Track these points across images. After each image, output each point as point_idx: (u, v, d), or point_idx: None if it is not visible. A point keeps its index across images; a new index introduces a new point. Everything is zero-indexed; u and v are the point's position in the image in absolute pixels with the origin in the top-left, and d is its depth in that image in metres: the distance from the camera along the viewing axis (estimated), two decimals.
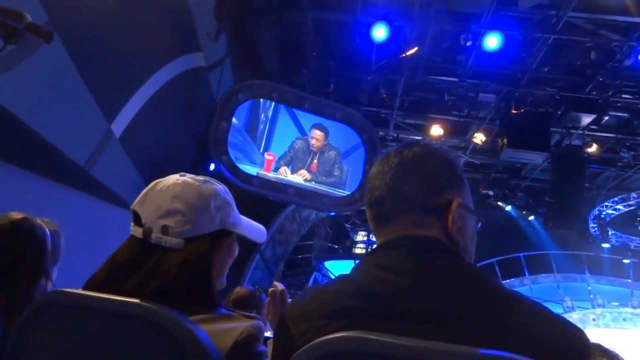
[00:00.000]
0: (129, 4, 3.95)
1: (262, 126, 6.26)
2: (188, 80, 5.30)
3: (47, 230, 1.40)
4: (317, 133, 6.33)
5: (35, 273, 1.29)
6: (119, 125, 4.05)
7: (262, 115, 6.22)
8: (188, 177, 0.94)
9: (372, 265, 0.76)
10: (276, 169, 6.11)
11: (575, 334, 0.68)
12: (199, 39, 5.40)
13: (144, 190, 0.93)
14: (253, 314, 0.89)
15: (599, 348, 1.61)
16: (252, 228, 1.03)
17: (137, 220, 0.90)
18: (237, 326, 0.82)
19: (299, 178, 6.17)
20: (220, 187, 0.97)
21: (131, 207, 0.93)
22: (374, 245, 0.86)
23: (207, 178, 0.96)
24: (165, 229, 0.86)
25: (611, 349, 1.66)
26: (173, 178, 0.93)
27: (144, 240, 0.87)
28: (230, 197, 0.98)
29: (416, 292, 0.69)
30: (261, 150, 6.17)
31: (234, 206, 0.98)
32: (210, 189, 0.93)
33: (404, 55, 5.67)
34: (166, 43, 4.81)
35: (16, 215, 1.36)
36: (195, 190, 0.91)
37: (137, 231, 0.89)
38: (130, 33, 4.04)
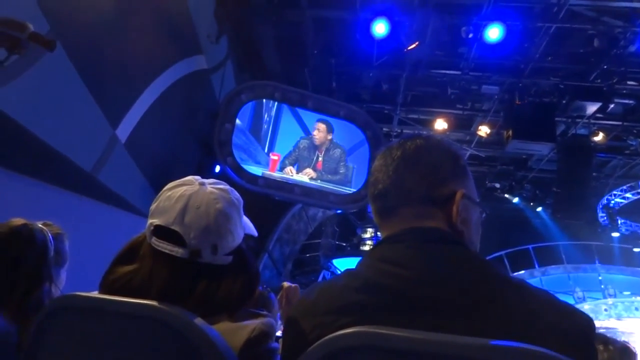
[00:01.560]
0: (130, 10, 3.97)
1: (265, 126, 6.27)
2: (190, 83, 5.32)
3: (50, 234, 1.39)
4: (320, 126, 6.34)
5: (37, 278, 1.29)
6: (124, 130, 4.07)
7: (266, 116, 6.24)
8: (212, 187, 0.91)
9: (377, 259, 0.77)
10: (281, 169, 6.13)
11: (582, 321, 0.68)
12: (200, 42, 5.42)
13: (176, 206, 0.86)
14: (264, 312, 0.89)
15: (605, 340, 1.60)
16: (249, 223, 1.04)
17: (173, 238, 0.85)
18: (248, 324, 0.83)
19: (305, 177, 6.18)
20: (237, 193, 0.97)
21: (164, 224, 0.86)
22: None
23: (224, 184, 0.95)
24: (215, 248, 0.86)
25: (619, 340, 1.65)
26: (205, 191, 0.89)
27: (189, 261, 0.85)
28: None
29: (422, 284, 0.69)
30: (266, 151, 6.19)
31: None
32: (237, 198, 0.95)
33: (407, 49, 5.65)
34: (167, 47, 4.83)
35: (16, 221, 1.36)
36: (232, 203, 0.92)
37: (177, 251, 0.84)
38: (132, 38, 4.06)
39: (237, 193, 0.96)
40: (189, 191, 0.88)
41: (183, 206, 0.86)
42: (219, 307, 0.85)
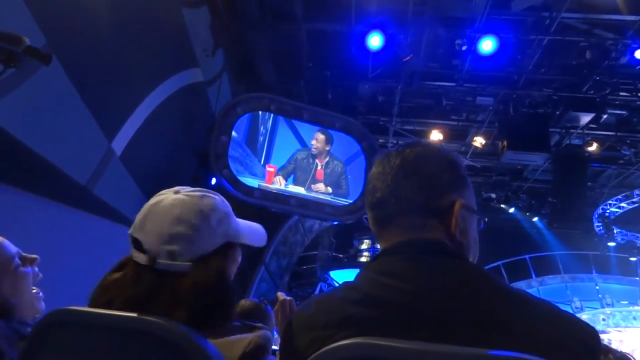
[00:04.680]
0: (126, 23, 4.00)
1: (261, 138, 6.28)
2: (187, 96, 5.33)
3: None
4: (319, 136, 6.40)
5: None
6: (120, 143, 4.07)
7: (262, 128, 6.26)
8: (183, 194, 0.91)
9: (376, 272, 0.76)
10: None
11: (586, 331, 0.67)
12: (196, 55, 5.45)
13: (141, 214, 0.89)
14: (260, 325, 0.89)
15: (605, 350, 1.60)
16: (252, 232, 1.01)
17: (139, 246, 0.87)
18: (244, 337, 0.82)
19: (301, 189, 6.19)
20: (218, 198, 0.95)
21: (130, 232, 0.89)
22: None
23: (203, 191, 0.94)
24: (171, 254, 0.84)
25: (619, 350, 1.65)
26: (170, 198, 0.90)
27: (151, 267, 0.84)
28: (228, 207, 0.96)
29: (421, 297, 0.69)
30: (262, 163, 6.20)
31: (233, 215, 0.97)
32: (208, 204, 0.91)
33: (404, 60, 5.71)
34: (164, 60, 4.85)
35: None
36: (195, 208, 0.89)
37: (140, 258, 0.85)
38: (128, 52, 4.08)
39: (213, 199, 0.93)
40: (156, 199, 0.90)
41: (145, 214, 0.88)
42: (183, 317, 0.81)
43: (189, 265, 0.84)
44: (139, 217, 0.89)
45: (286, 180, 6.18)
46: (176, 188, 0.93)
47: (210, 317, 0.83)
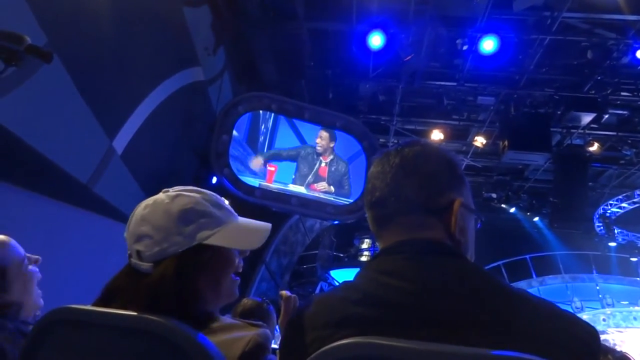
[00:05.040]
0: (127, 22, 4.00)
1: (262, 137, 6.28)
2: (188, 95, 5.33)
3: None
4: (323, 134, 6.42)
5: None
6: (121, 141, 4.07)
7: (263, 127, 6.26)
8: (163, 194, 0.91)
9: (376, 271, 0.76)
10: (270, 158, 6.15)
11: (586, 331, 0.67)
12: (197, 54, 5.45)
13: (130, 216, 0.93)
14: (260, 323, 0.88)
15: (604, 350, 1.60)
16: (244, 234, 0.96)
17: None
18: (244, 335, 0.82)
19: (302, 188, 6.19)
20: (196, 197, 0.91)
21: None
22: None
23: (185, 190, 0.92)
24: (139, 254, 0.86)
25: (618, 350, 1.65)
26: (153, 198, 0.92)
27: (129, 264, 0.89)
28: (211, 207, 0.91)
29: (422, 297, 0.69)
30: (263, 162, 6.20)
31: (218, 214, 0.92)
32: (179, 205, 0.88)
33: (405, 59, 5.71)
34: (165, 59, 4.85)
35: None
36: (163, 209, 0.88)
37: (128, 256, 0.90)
38: (129, 50, 4.08)
39: (191, 198, 0.90)
40: (147, 200, 0.93)
41: (132, 214, 0.91)
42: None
43: (149, 266, 0.85)
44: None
45: (276, 161, 6.15)
46: (166, 189, 0.94)
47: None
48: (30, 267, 1.44)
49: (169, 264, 0.84)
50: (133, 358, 0.75)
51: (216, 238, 0.89)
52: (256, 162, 6.07)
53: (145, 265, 0.85)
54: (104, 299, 0.86)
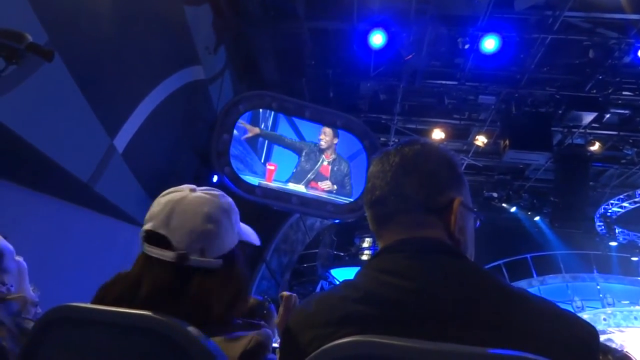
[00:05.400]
0: (128, 20, 4.00)
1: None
2: (188, 94, 5.34)
3: None
4: (327, 130, 6.43)
5: None
6: (121, 140, 4.07)
7: (262, 126, 6.26)
8: (202, 192, 0.92)
9: (377, 270, 0.76)
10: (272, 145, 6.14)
11: (585, 330, 0.67)
12: (198, 53, 5.45)
13: (164, 211, 0.88)
14: (261, 322, 0.89)
15: (603, 349, 1.60)
16: (250, 232, 1.03)
17: (162, 243, 0.86)
18: (245, 334, 0.82)
19: (302, 187, 6.19)
20: (230, 198, 0.97)
21: (152, 229, 0.87)
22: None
23: (218, 191, 0.96)
24: (202, 251, 0.86)
25: (619, 349, 1.65)
26: (190, 195, 0.90)
27: (178, 265, 0.85)
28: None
29: (422, 295, 0.69)
30: (262, 161, 6.19)
31: None
32: (228, 203, 0.94)
33: (406, 58, 5.70)
34: (166, 58, 4.85)
35: None
36: (221, 207, 0.91)
37: (166, 255, 0.85)
38: (130, 49, 4.08)
39: (229, 198, 0.96)
40: (177, 196, 0.90)
41: (170, 210, 0.88)
42: (210, 313, 0.84)
43: (219, 262, 0.87)
44: (161, 213, 0.88)
45: (276, 145, 6.15)
46: (190, 186, 0.94)
47: (232, 312, 0.87)
48: (18, 258, 1.48)
49: (233, 258, 0.91)
50: (134, 356, 0.75)
51: (248, 235, 0.98)
52: (252, 131, 6.04)
53: (215, 262, 0.87)
54: (148, 302, 0.81)
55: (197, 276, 0.85)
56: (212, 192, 0.94)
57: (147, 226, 0.88)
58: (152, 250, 0.86)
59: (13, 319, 1.31)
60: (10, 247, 1.43)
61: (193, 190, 0.93)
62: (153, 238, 0.87)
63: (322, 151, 6.37)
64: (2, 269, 1.37)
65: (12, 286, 1.38)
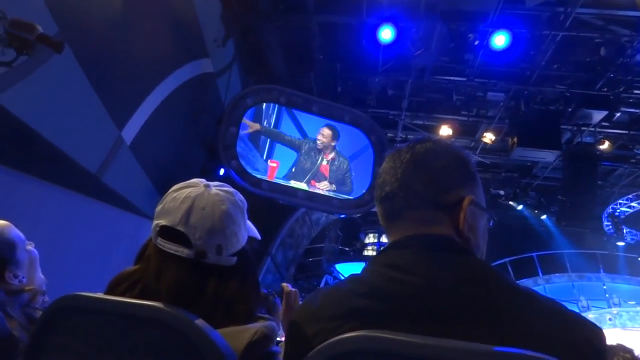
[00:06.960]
0: (137, 12, 4.00)
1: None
2: (196, 86, 5.34)
3: None
4: (326, 131, 6.37)
5: None
6: (130, 132, 4.09)
7: (265, 123, 6.23)
8: (218, 189, 0.92)
9: (383, 265, 0.76)
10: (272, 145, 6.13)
11: (591, 331, 0.67)
12: (206, 45, 5.45)
13: (181, 207, 0.87)
14: (266, 315, 0.89)
15: (621, 348, 1.59)
16: (252, 226, 1.04)
17: (180, 239, 0.86)
18: (250, 327, 0.82)
19: (304, 185, 6.18)
20: (241, 195, 0.98)
21: (169, 224, 0.87)
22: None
23: (229, 186, 0.96)
24: (220, 249, 0.87)
25: (629, 348, 1.64)
26: (206, 192, 0.90)
27: (195, 261, 0.85)
28: None
29: (428, 291, 0.69)
30: (264, 158, 6.16)
31: None
32: (242, 200, 0.95)
33: (415, 54, 5.67)
34: (174, 50, 4.86)
35: None
36: (237, 205, 0.93)
37: (184, 252, 0.85)
38: (139, 41, 4.09)
39: (241, 195, 0.96)
40: (194, 193, 0.89)
41: (188, 207, 0.87)
42: (230, 311, 0.85)
43: (235, 259, 0.89)
44: (179, 209, 0.87)
45: (276, 142, 6.13)
46: (202, 181, 0.94)
47: (250, 308, 0.88)
48: (29, 247, 1.49)
49: (245, 254, 0.92)
50: (139, 346, 0.76)
51: (254, 230, 1.01)
52: (253, 127, 6.03)
53: (231, 259, 0.89)
54: (172, 299, 0.81)
55: (214, 274, 0.86)
56: (226, 188, 0.94)
57: (164, 221, 0.88)
58: (167, 246, 0.86)
59: (23, 309, 1.33)
60: (22, 235, 1.45)
61: (207, 186, 0.93)
62: (169, 233, 0.87)
63: (320, 150, 6.34)
64: (14, 262, 1.38)
65: (24, 277, 1.40)
